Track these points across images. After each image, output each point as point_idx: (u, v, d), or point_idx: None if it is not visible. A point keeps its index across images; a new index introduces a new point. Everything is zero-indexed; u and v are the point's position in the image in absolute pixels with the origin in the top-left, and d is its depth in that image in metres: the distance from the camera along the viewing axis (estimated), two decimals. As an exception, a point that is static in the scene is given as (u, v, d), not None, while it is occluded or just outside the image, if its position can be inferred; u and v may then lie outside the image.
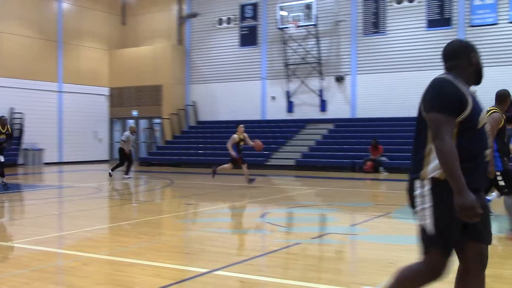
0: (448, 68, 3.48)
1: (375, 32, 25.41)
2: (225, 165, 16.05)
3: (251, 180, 15.75)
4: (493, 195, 9.46)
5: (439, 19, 24.01)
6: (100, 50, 30.55)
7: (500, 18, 22.86)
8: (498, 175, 7.26)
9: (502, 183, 7.32)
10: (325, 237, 7.99)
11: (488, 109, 7.06)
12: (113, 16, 31.37)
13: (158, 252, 6.64)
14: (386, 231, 8.43)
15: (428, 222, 3.22)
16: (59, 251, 6.95)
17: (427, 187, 3.24)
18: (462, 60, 3.43)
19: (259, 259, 6.29)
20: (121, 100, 30.86)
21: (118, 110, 31.01)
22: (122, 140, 18.61)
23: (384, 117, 24.84)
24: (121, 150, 18.35)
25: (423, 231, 3.28)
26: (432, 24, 24.16)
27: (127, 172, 18.20)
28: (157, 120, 30.05)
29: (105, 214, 10.86)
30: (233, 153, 15.55)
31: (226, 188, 15.77)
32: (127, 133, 18.64)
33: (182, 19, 30.33)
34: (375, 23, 25.40)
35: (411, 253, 6.57)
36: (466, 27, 23.48)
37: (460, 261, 3.41)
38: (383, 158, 21.53)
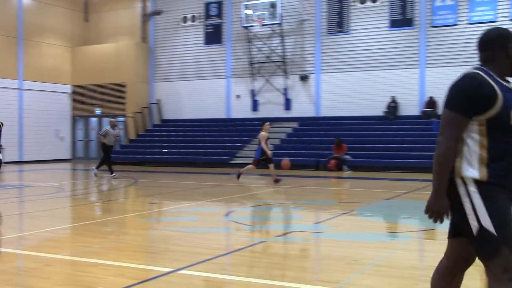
0: (482, 59, 3.24)
1: (339, 32, 25.65)
2: (271, 168, 15.61)
3: (238, 175, 15.60)
4: None
5: (402, 19, 24.38)
6: (62, 47, 30.05)
7: (460, 19, 23.34)
8: None
9: None
10: (289, 235, 8.03)
11: None
12: (75, 12, 30.88)
13: (121, 251, 6.57)
14: (349, 229, 8.52)
15: (488, 222, 2.98)
16: (19, 252, 6.81)
17: (471, 187, 3.03)
18: (499, 51, 3.19)
19: (224, 257, 6.28)
20: (84, 98, 30.42)
21: (81, 108, 30.56)
22: (100, 134, 18.30)
23: (347, 115, 25.10)
24: (103, 146, 18.08)
25: (481, 235, 3.01)
26: (395, 24, 24.52)
27: (98, 167, 18.02)
28: (121, 119, 29.69)
29: (67, 213, 10.69)
30: (269, 152, 15.24)
31: (190, 187, 15.69)
32: (107, 127, 18.36)
33: (146, 17, 30.06)
34: (339, 23, 25.63)
35: (374, 250, 6.66)
36: (428, 27, 23.90)
37: (450, 257, 3.35)
38: (347, 157, 21.75)
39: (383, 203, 11.78)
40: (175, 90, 29.37)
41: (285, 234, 8.14)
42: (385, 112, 24.21)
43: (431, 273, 5.54)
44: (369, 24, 25.08)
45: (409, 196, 13.14)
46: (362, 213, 10.23)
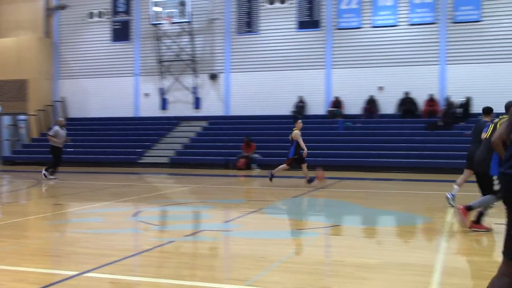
0: None
1: (248, 31, 25.90)
2: (305, 170, 14.84)
3: (271, 176, 14.93)
4: (455, 188, 10.05)
5: (309, 21, 24.98)
6: (-43, 40, 28.35)
7: (364, 22, 24.23)
8: (495, 179, 7.47)
9: (497, 187, 7.44)
10: (199, 235, 8.01)
11: (500, 117, 7.37)
12: (-28, 4, 29.22)
13: (22, 256, 6.28)
14: (258, 227, 8.62)
15: None
16: None
17: None
18: None
19: (132, 259, 6.17)
20: (-18, 94, 28.85)
21: (-22, 105, 28.97)
22: (49, 135, 17.24)
23: (257, 114, 25.40)
24: (52, 148, 17.06)
25: None
26: (302, 25, 25.08)
27: (53, 172, 17.03)
28: (22, 117, 28.44)
29: (-37, 217, 10.09)
30: (306, 150, 14.59)
31: (97, 188, 15.29)
32: (56, 127, 17.32)
33: (50, 11, 28.94)
34: (248, 23, 25.87)
35: (282, 247, 6.78)
36: (333, 29, 24.62)
37: None
38: (256, 155, 22.00)
39: (291, 201, 12.01)
40: (81, 88, 28.50)
41: (194, 233, 8.12)
42: (293, 111, 24.70)
43: (337, 268, 5.74)
44: (278, 25, 25.49)
45: (315, 193, 13.47)
46: (270, 211, 10.39)
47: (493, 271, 5.80)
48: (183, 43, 26.74)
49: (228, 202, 11.79)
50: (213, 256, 6.62)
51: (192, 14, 26.01)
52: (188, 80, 26.80)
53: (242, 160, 21.90)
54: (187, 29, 26.40)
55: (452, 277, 5.28)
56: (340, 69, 24.44)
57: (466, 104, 22.63)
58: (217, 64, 26.50)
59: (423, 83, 23.30)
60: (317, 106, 24.71)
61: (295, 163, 15.11)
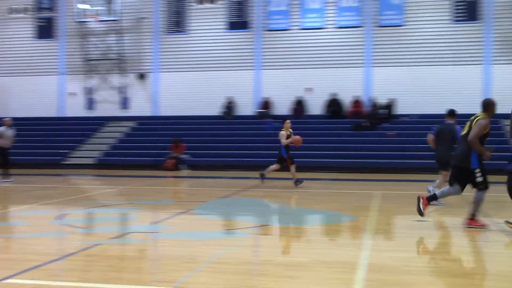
0: None
1: (177, 31, 25.72)
2: (272, 166, 14.98)
3: (298, 182, 14.66)
4: (436, 182, 10.21)
5: (238, 22, 25.10)
6: None
7: (292, 24, 24.58)
8: (477, 172, 7.68)
9: (480, 179, 7.69)
10: (126, 237, 7.87)
11: (476, 115, 7.63)
12: None
13: None
14: (187, 228, 8.57)
15: None
16: None
17: None
18: None
19: (56, 263, 5.99)
20: None
21: None
22: None
23: (186, 115, 25.26)
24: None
25: None
26: (232, 26, 25.17)
27: (6, 175, 16.13)
28: None
29: None
30: (286, 141, 14.50)
31: (20, 190, 14.74)
32: (2, 128, 16.36)
33: (-32, 5, 27.67)
34: (177, 22, 25.69)
35: (211, 248, 6.77)
36: (263, 31, 24.84)
37: None
38: (185, 156, 21.87)
39: (220, 201, 12.01)
40: (2, 86, 27.42)
41: (121, 235, 7.96)
42: (222, 112, 24.72)
43: (265, 267, 5.79)
44: (207, 25, 25.46)
45: (245, 193, 13.53)
46: (199, 211, 10.35)
47: (417, 266, 6.01)
48: (111, 41, 26.22)
49: (156, 203, 11.65)
50: (141, 258, 6.52)
51: (120, 12, 25.55)
52: (116, 79, 26.31)
53: (170, 161, 21.71)
54: (114, 28, 25.91)
55: (377, 273, 5.44)
56: (269, 70, 24.67)
57: (390, 106, 23.39)
58: (145, 64, 26.16)
59: (349, 85, 23.88)
60: (246, 107, 24.84)
61: (282, 161, 15.08)
